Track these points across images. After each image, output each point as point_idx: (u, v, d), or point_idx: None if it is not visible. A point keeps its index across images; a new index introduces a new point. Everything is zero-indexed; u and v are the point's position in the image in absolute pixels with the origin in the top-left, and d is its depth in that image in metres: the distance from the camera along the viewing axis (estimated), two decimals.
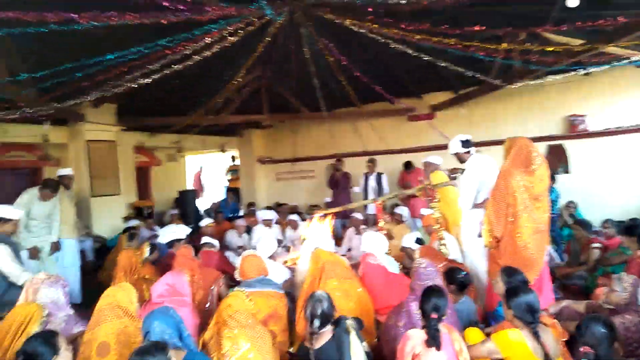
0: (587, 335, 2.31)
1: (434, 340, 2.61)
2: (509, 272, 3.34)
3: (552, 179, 7.18)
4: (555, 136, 8.56)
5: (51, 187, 5.68)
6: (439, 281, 3.48)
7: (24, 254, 5.21)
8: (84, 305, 5.09)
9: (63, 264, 5.97)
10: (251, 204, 10.64)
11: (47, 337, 2.53)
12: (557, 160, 8.80)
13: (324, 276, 3.95)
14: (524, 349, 2.60)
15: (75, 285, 5.97)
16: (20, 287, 3.96)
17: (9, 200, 5.53)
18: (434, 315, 2.69)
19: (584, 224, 5.77)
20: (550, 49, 5.51)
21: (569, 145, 8.47)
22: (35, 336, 2.59)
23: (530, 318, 2.69)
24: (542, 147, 8.65)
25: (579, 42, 5.62)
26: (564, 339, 2.92)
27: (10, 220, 4.53)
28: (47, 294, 3.40)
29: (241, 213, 11.53)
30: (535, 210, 3.79)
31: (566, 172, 8.55)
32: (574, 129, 8.27)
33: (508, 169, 3.88)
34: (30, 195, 5.59)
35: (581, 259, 5.62)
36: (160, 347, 2.24)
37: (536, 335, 2.63)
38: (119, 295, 3.19)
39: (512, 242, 3.81)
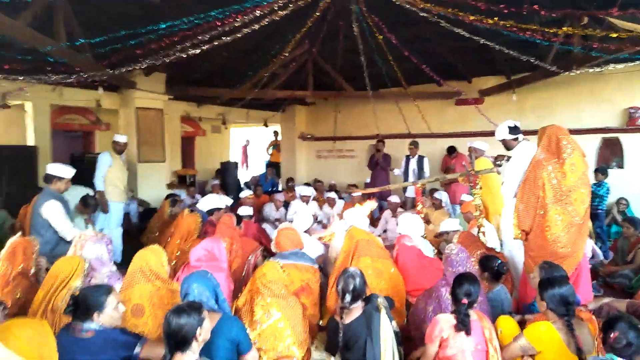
0: (616, 329, 2.20)
1: (463, 325, 2.60)
2: (548, 269, 3.24)
3: (604, 173, 6.88)
4: (611, 129, 8.13)
5: (91, 208, 5.51)
6: (471, 267, 3.43)
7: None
8: (125, 265, 5.33)
9: (109, 226, 6.26)
10: (290, 179, 10.74)
11: (98, 293, 2.56)
12: (611, 154, 8.39)
13: (357, 253, 3.98)
14: (556, 342, 2.54)
15: (118, 245, 6.24)
16: (69, 243, 4.20)
17: (63, 159, 5.81)
18: (465, 301, 2.67)
19: (634, 222, 5.50)
20: (615, 35, 5.18)
21: (625, 138, 8.03)
22: (90, 288, 2.69)
23: (564, 310, 2.61)
24: (596, 140, 8.28)
25: None
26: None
27: (63, 178, 4.77)
28: (93, 250, 3.58)
29: (279, 188, 11.67)
30: (572, 202, 3.62)
31: (620, 167, 8.14)
32: (633, 122, 7.82)
33: (538, 160, 3.73)
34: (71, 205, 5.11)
35: (628, 258, 5.38)
36: (196, 307, 2.33)
37: (570, 328, 2.55)
38: (150, 259, 3.31)
39: (542, 236, 3.68)
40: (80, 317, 2.50)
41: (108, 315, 2.55)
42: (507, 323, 2.93)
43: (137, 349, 2.51)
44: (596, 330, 2.68)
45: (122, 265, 4.85)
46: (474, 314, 2.73)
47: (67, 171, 4.82)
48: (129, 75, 8.01)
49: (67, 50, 5.60)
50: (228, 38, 5.46)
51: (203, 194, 9.44)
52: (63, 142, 11.20)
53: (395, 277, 3.98)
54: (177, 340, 2.22)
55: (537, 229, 3.73)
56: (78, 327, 2.48)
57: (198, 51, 5.56)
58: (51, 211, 4.52)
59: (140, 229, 7.84)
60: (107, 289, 2.63)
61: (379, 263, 3.97)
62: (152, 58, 5.67)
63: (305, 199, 8.04)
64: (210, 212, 6.06)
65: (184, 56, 5.62)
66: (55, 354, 2.25)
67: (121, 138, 6.50)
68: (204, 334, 2.30)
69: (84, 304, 2.51)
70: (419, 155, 8.60)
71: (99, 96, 7.95)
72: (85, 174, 7.38)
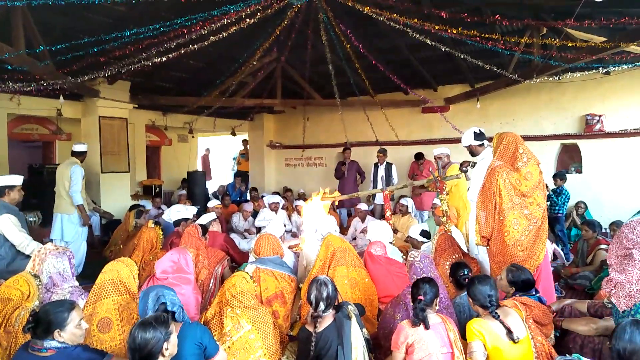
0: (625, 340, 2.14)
1: (418, 319, 2.68)
2: (515, 271, 3.32)
3: (562, 178, 7.13)
4: (570, 135, 8.43)
5: None
6: (435, 273, 3.47)
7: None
8: (87, 278, 5.12)
9: (78, 239, 5.95)
10: (253, 189, 10.66)
11: (59, 309, 2.42)
12: (570, 159, 8.70)
13: (334, 262, 3.97)
14: (491, 333, 2.66)
15: (82, 259, 5.96)
16: (28, 257, 4.01)
17: (20, 171, 5.55)
18: (421, 297, 2.78)
19: (593, 225, 5.69)
20: (571, 44, 5.40)
21: (583, 144, 8.35)
22: (51, 304, 2.53)
23: (487, 302, 2.82)
24: (555, 146, 8.57)
25: (601, 39, 5.51)
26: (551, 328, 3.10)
27: (14, 186, 4.56)
28: (54, 264, 3.44)
29: (248, 197, 11.54)
30: (528, 205, 3.74)
31: (578, 171, 8.45)
32: (590, 129, 8.13)
33: (493, 168, 3.83)
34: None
35: (588, 259, 5.56)
36: (163, 320, 2.25)
37: (496, 316, 2.72)
38: (122, 271, 3.21)
39: (502, 240, 3.77)
40: (40, 335, 2.37)
41: (70, 333, 2.41)
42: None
43: None
44: (523, 315, 2.84)
45: (85, 280, 4.67)
46: (437, 317, 2.79)
47: (15, 178, 4.63)
48: (92, 83, 7.79)
49: (26, 58, 5.40)
50: (195, 46, 5.40)
51: (169, 204, 9.23)
52: (21, 153, 10.78)
53: (369, 287, 4.00)
54: (142, 356, 2.14)
55: (497, 235, 3.81)
56: (38, 345, 2.36)
57: (164, 59, 5.46)
58: (5, 225, 4.32)
59: (103, 242, 7.60)
60: (70, 305, 2.49)
61: (355, 272, 3.98)
62: (116, 66, 5.54)
63: (273, 207, 7.97)
64: (177, 222, 5.94)
65: (149, 64, 5.52)
66: None
67: (83, 147, 6.19)
68: (171, 348, 2.23)
69: (45, 321, 2.37)
70: (387, 163, 8.70)
71: (60, 105, 7.70)
72: (45, 186, 7.10)
